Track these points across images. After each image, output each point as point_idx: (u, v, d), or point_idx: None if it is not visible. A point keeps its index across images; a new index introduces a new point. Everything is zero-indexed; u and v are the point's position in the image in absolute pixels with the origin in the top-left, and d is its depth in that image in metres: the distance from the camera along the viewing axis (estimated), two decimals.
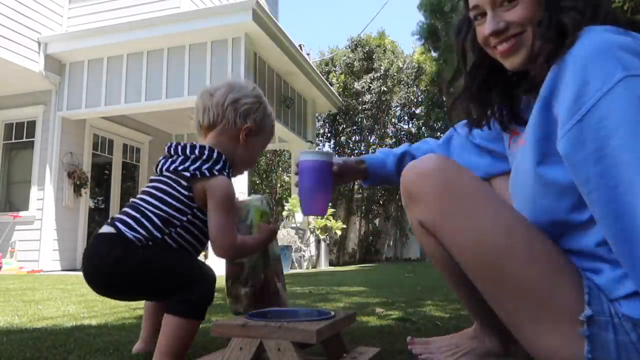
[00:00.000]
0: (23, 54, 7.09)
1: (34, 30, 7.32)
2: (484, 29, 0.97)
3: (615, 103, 0.76)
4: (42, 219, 7.42)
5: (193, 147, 1.22)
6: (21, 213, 7.52)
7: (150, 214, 1.16)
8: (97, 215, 8.75)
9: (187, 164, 1.20)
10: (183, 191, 1.18)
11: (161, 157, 1.27)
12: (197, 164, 1.20)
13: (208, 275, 1.15)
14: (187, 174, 1.18)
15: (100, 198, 9.16)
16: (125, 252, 1.12)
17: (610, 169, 0.76)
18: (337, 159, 1.31)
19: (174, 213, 1.17)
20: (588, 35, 0.83)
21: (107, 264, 1.13)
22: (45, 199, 7.45)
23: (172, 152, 1.25)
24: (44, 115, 7.72)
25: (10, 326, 1.84)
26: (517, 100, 1.07)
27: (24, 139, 7.91)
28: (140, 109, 7.66)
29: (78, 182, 7.65)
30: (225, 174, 1.22)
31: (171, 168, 1.21)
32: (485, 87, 1.08)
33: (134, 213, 1.17)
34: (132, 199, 1.24)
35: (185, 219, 1.18)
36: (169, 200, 1.18)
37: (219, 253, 1.20)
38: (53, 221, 7.43)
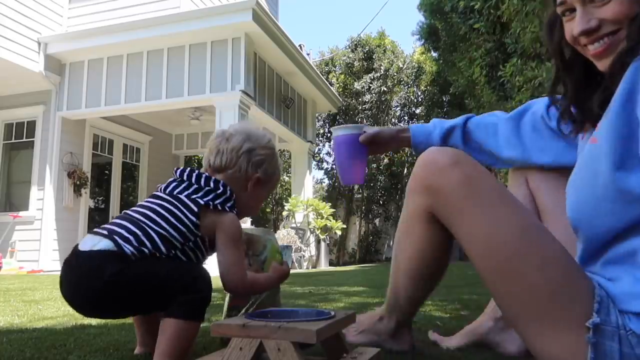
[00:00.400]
0: (23, 54, 7.10)
1: (34, 30, 7.33)
2: (573, 27, 0.88)
3: None
4: (42, 219, 7.42)
5: (208, 178, 1.22)
6: (21, 213, 7.52)
7: (151, 232, 1.13)
8: (97, 215, 8.75)
9: (200, 194, 1.19)
10: (191, 217, 1.16)
11: (171, 179, 1.25)
12: (210, 196, 1.19)
13: (205, 275, 1.14)
14: (201, 201, 1.17)
15: (100, 198, 9.17)
16: (122, 266, 1.08)
17: None
18: (369, 129, 1.34)
19: (177, 235, 1.15)
20: None
21: (103, 280, 1.07)
22: (45, 199, 7.45)
23: (184, 177, 1.23)
24: (44, 115, 7.73)
25: (10, 326, 1.84)
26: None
27: (24, 139, 7.92)
28: (140, 109, 7.68)
29: (78, 182, 7.66)
30: (234, 212, 1.22)
31: (183, 194, 1.19)
32: (583, 87, 0.98)
33: (134, 229, 1.13)
34: (127, 212, 1.20)
35: (186, 244, 1.17)
36: (174, 221, 1.15)
37: (229, 288, 1.20)
38: (53, 221, 7.44)
